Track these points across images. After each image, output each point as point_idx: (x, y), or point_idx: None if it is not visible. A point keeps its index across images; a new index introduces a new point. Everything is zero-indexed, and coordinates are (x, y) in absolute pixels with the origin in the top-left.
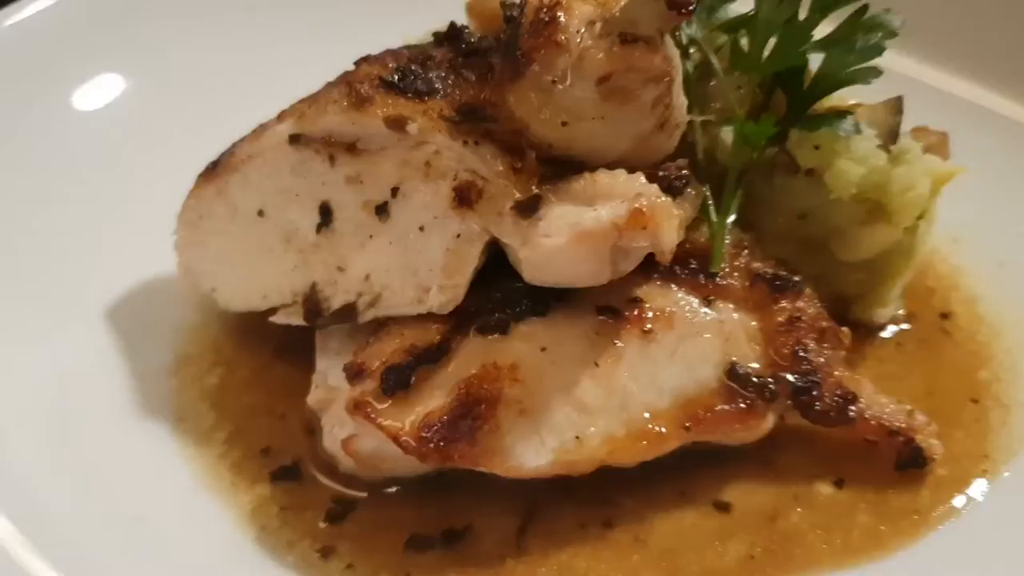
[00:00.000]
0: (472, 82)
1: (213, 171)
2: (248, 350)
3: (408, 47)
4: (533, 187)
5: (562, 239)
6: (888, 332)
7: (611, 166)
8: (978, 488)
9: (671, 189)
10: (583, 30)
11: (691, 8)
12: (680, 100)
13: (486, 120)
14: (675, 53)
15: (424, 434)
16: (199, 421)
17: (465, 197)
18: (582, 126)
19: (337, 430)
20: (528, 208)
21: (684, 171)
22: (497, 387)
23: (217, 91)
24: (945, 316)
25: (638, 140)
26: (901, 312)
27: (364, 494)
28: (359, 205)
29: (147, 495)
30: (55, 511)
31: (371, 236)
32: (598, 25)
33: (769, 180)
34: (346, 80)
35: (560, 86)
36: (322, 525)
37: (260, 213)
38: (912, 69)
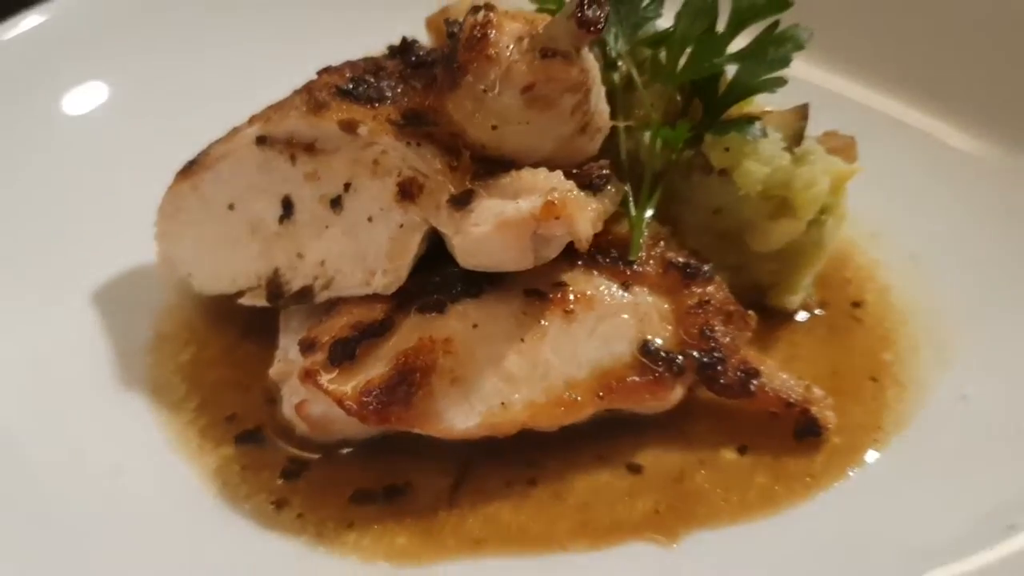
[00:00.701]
0: (418, 90)
1: (189, 169)
2: (219, 330)
3: (365, 59)
4: (467, 183)
5: (488, 228)
6: (802, 318)
7: (538, 165)
8: (868, 456)
9: (591, 186)
10: (511, 46)
11: (599, 27)
12: (601, 107)
13: (427, 124)
14: (593, 66)
15: (365, 398)
16: (172, 392)
17: (407, 192)
18: (509, 129)
19: (293, 398)
20: (461, 201)
21: (605, 170)
22: (431, 358)
23: (194, 97)
24: (857, 304)
25: (560, 142)
26: (815, 300)
27: (316, 456)
28: (316, 199)
29: (123, 454)
30: (37, 465)
31: (326, 226)
32: (525, 41)
33: (688, 179)
34: (307, 88)
35: (490, 94)
36: (278, 482)
37: (230, 206)
38: (831, 80)
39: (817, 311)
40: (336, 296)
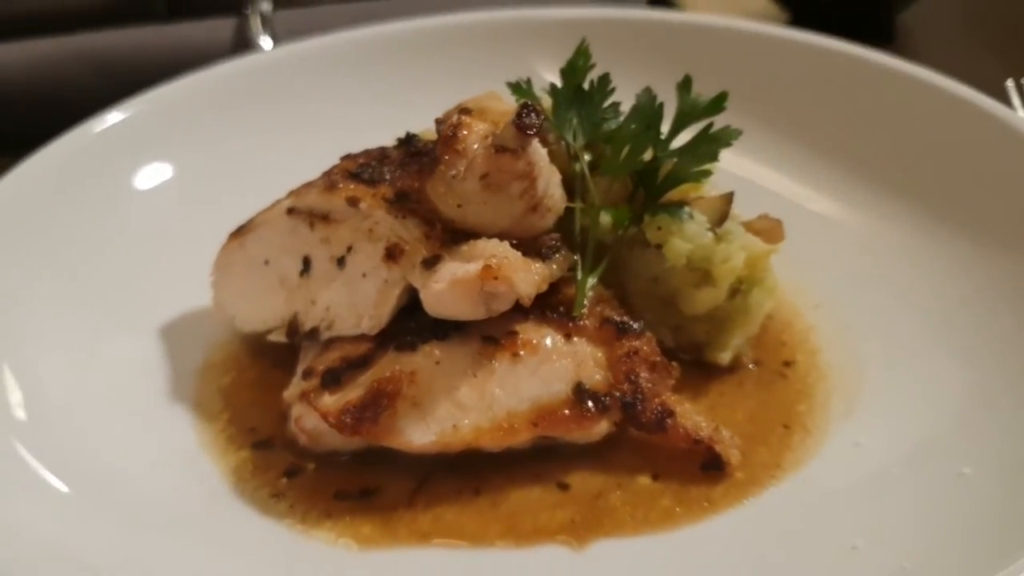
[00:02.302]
0: (410, 174)
1: (239, 232)
2: (256, 360)
3: (378, 148)
4: (437, 249)
5: (443, 285)
6: (735, 373)
7: (499, 236)
8: (764, 489)
9: (540, 254)
10: (477, 144)
11: (534, 131)
12: (552, 191)
13: (412, 201)
14: (541, 159)
15: (342, 415)
16: (211, 407)
17: (392, 254)
18: (471, 208)
19: (295, 414)
20: (430, 263)
21: (554, 242)
22: (398, 386)
23: (243, 174)
24: (787, 364)
25: (514, 219)
26: (750, 358)
27: (312, 464)
28: (327, 258)
29: (163, 451)
30: (94, 452)
31: (332, 280)
32: (488, 139)
33: (631, 252)
34: (328, 171)
35: (457, 180)
36: (281, 480)
37: (265, 262)
38: (813, 169)
39: (751, 367)
40: (335, 335)
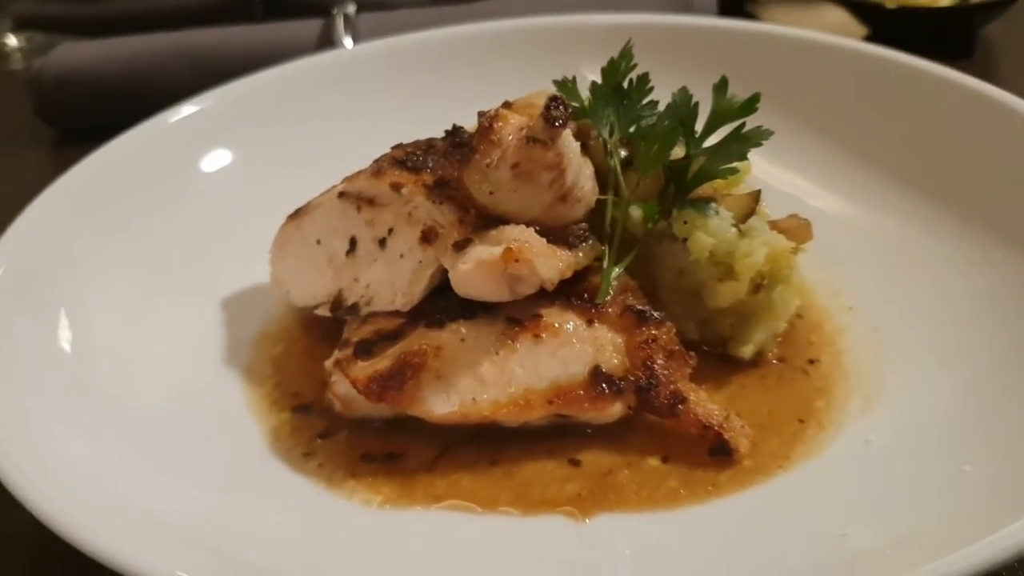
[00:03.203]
0: (451, 163)
1: (296, 213)
2: (307, 332)
3: (428, 139)
4: (469, 233)
5: (469, 266)
6: (758, 368)
7: (529, 224)
8: (770, 477)
9: (568, 242)
10: (511, 135)
11: (562, 123)
12: (583, 183)
13: (450, 188)
14: (571, 151)
15: (370, 382)
16: (261, 372)
17: (427, 237)
18: (502, 195)
19: (331, 381)
20: (460, 246)
21: (582, 231)
22: (424, 359)
23: (306, 163)
24: (811, 362)
25: (544, 207)
26: (775, 354)
27: (345, 429)
28: (371, 239)
29: (213, 409)
30: (148, 417)
31: (375, 260)
32: (522, 131)
33: (660, 245)
34: (377, 159)
35: (491, 169)
36: (314, 441)
37: (317, 242)
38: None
39: (774, 362)
40: (373, 311)
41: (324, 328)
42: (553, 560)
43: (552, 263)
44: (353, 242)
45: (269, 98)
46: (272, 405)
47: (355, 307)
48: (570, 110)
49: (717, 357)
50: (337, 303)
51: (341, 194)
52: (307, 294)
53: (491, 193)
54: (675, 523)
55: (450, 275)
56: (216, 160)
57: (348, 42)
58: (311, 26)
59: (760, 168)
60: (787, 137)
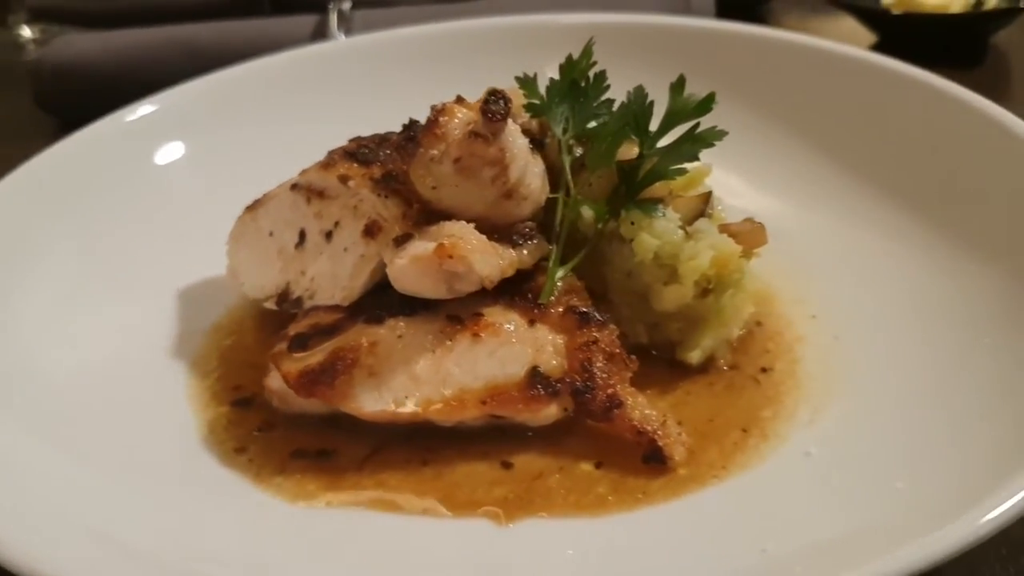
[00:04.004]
0: (402, 157)
1: (252, 205)
2: (260, 326)
3: (386, 133)
4: (410, 228)
5: (404, 261)
6: (708, 374)
7: (476, 220)
8: (703, 487)
9: (512, 240)
10: (457, 130)
11: (500, 117)
12: (531, 180)
13: (397, 182)
14: (516, 148)
15: (301, 377)
16: (206, 364)
17: (370, 231)
18: (445, 190)
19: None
20: (401, 241)
21: (528, 229)
22: (357, 355)
23: (271, 157)
24: (764, 370)
25: (487, 204)
26: (728, 361)
27: (282, 425)
28: (318, 232)
29: (153, 397)
30: (83, 405)
31: (321, 253)
32: (470, 125)
33: (610, 246)
34: (330, 152)
35: (434, 163)
36: (248, 436)
37: (270, 233)
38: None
39: (725, 369)
40: (315, 304)
41: (279, 323)
42: (468, 563)
43: (492, 261)
44: (303, 235)
45: (233, 94)
46: (212, 398)
47: (299, 300)
48: (511, 105)
49: (667, 363)
50: (283, 296)
51: (293, 186)
52: (259, 286)
53: (434, 188)
54: (597, 530)
55: (387, 270)
56: (176, 153)
57: (341, 37)
58: (306, 21)
59: (729, 173)
60: (758, 142)
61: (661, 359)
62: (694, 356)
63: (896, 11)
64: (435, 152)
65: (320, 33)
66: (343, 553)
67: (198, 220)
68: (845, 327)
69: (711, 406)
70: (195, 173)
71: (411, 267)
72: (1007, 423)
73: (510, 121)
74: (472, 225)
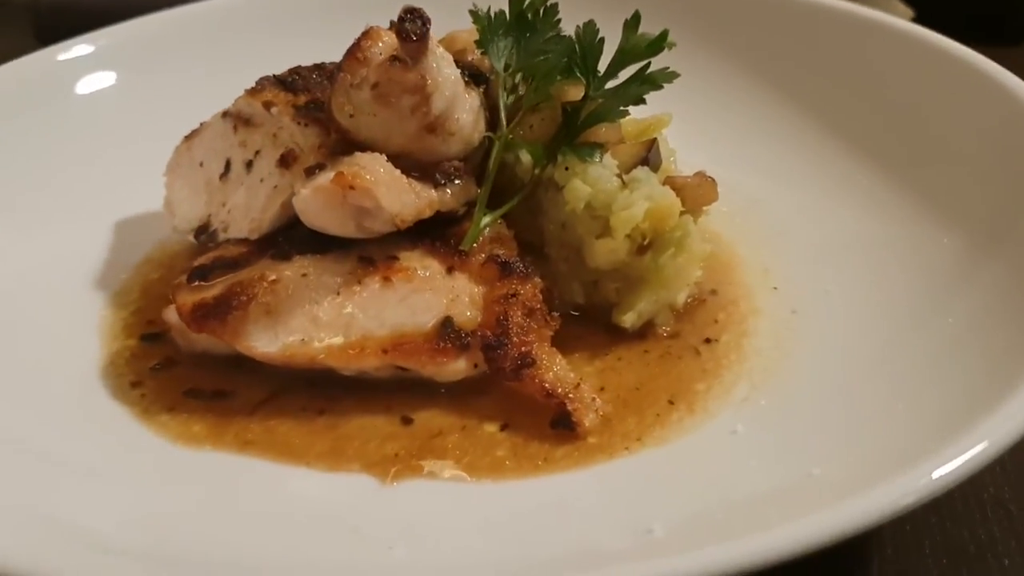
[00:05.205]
0: (331, 85)
1: (189, 135)
2: (189, 261)
3: (322, 63)
4: (324, 158)
5: (307, 191)
6: (645, 340)
7: (397, 155)
8: (611, 458)
9: (435, 180)
10: (381, 54)
11: (416, 38)
12: (460, 114)
13: (319, 110)
14: (440, 77)
15: (194, 311)
16: (126, 297)
17: (286, 160)
18: (362, 119)
19: None
20: (311, 171)
21: (453, 168)
22: (253, 291)
23: (211, 95)
24: (708, 341)
25: (408, 137)
26: (670, 328)
27: (184, 362)
28: (240, 161)
29: (65, 327)
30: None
31: (241, 183)
32: (392, 51)
33: (547, 194)
34: (261, 78)
35: (353, 89)
36: (148, 369)
37: (201, 164)
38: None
39: (665, 338)
40: (228, 237)
41: None
42: (338, 521)
43: (406, 198)
44: (227, 164)
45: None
46: (123, 330)
47: (215, 233)
48: (429, 24)
49: (605, 326)
50: (202, 228)
51: (224, 113)
52: (186, 219)
53: (352, 116)
54: (481, 495)
55: (293, 201)
56: (121, 89)
57: None
58: None
59: (704, 135)
60: (744, 101)
61: (600, 322)
62: (628, 319)
63: None
64: (356, 78)
65: None
66: (204, 498)
67: (141, 154)
68: (805, 303)
69: (641, 374)
70: (141, 108)
71: (314, 198)
72: (943, 402)
73: (440, 49)
74: (389, 160)
